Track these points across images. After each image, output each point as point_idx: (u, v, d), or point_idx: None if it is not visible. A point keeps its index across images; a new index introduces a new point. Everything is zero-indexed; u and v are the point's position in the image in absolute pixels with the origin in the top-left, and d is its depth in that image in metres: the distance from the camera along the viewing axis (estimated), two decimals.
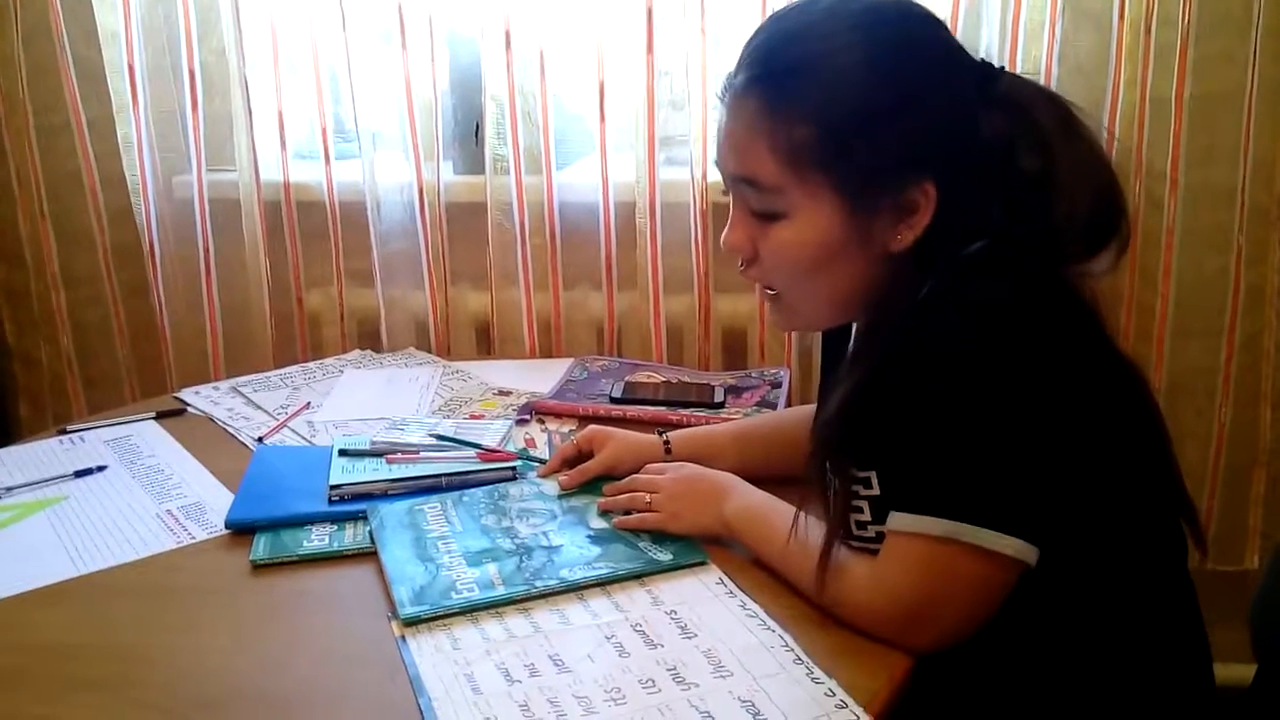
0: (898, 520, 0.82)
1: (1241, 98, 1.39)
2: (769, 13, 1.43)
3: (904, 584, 0.81)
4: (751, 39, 0.90)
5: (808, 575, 0.86)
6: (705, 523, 0.98)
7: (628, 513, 1.02)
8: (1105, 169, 0.87)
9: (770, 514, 0.94)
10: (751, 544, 0.95)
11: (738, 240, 0.92)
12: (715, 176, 1.54)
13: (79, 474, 1.20)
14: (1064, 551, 0.82)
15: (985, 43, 1.46)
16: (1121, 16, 1.40)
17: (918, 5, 0.90)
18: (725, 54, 1.59)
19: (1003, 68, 0.89)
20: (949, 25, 1.41)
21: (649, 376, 1.47)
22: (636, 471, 1.07)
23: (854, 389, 0.85)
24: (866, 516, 0.86)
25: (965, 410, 0.79)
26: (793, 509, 0.91)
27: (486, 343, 1.69)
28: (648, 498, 1.01)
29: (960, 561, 0.79)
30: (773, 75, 0.86)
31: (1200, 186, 1.44)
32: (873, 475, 0.86)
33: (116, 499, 1.14)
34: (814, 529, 0.88)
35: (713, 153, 1.53)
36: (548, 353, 1.65)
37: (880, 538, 0.84)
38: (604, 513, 1.03)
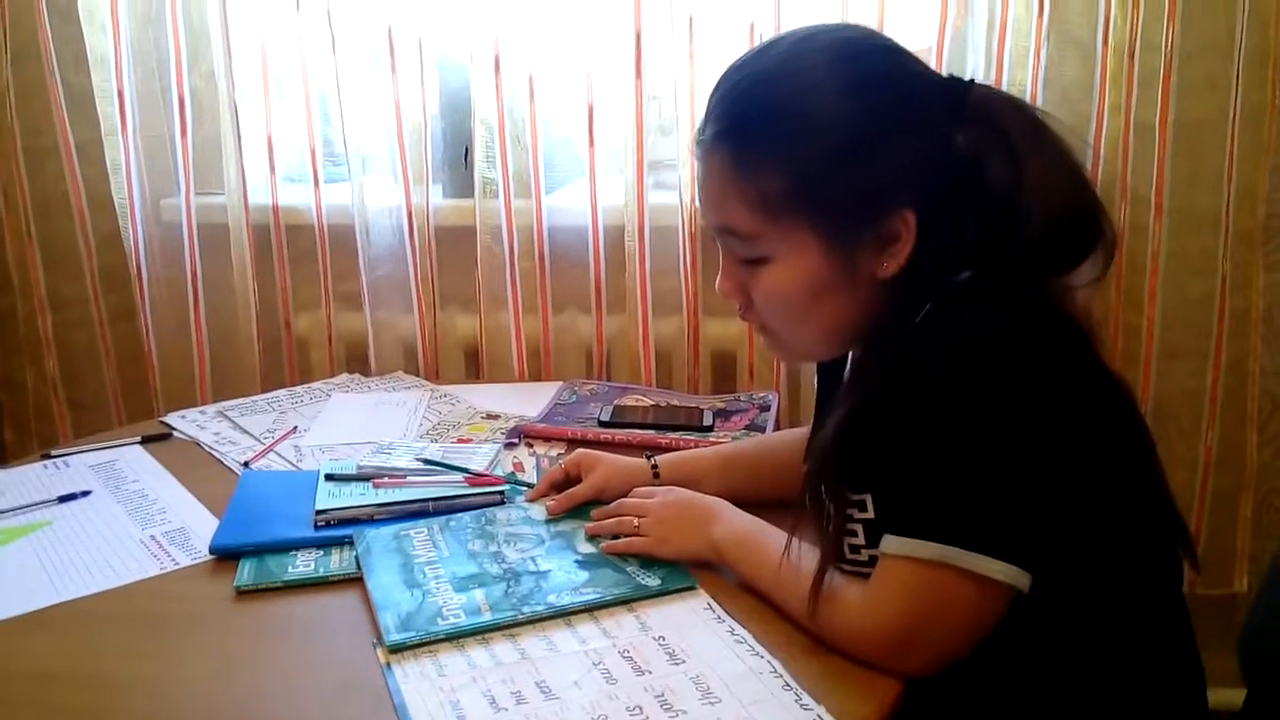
0: (890, 544, 0.82)
1: (1224, 123, 1.41)
2: (756, 38, 1.46)
3: (895, 608, 0.81)
4: (714, 91, 0.90)
5: (799, 600, 0.85)
6: (693, 547, 0.97)
7: (615, 537, 1.01)
8: (1077, 175, 0.87)
9: (760, 539, 0.94)
10: (740, 569, 0.94)
11: (729, 288, 0.92)
12: None
13: (63, 499, 1.19)
14: (1057, 576, 0.82)
15: (971, 69, 1.47)
16: (1105, 42, 1.42)
17: (876, 36, 0.91)
18: (714, 78, 1.60)
19: (972, 80, 0.89)
20: (935, 52, 1.44)
21: (638, 400, 1.47)
22: (624, 496, 1.06)
23: (849, 413, 0.85)
24: (860, 540, 0.86)
25: (959, 435, 0.79)
26: (782, 534, 0.90)
27: (475, 366, 1.69)
28: (635, 522, 1.01)
29: (952, 585, 0.79)
30: (737, 128, 0.87)
31: (1184, 211, 1.45)
32: (867, 499, 0.86)
33: (100, 524, 1.13)
34: (804, 554, 0.87)
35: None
36: (537, 376, 1.65)
37: (873, 561, 0.84)
38: (592, 537, 1.03)
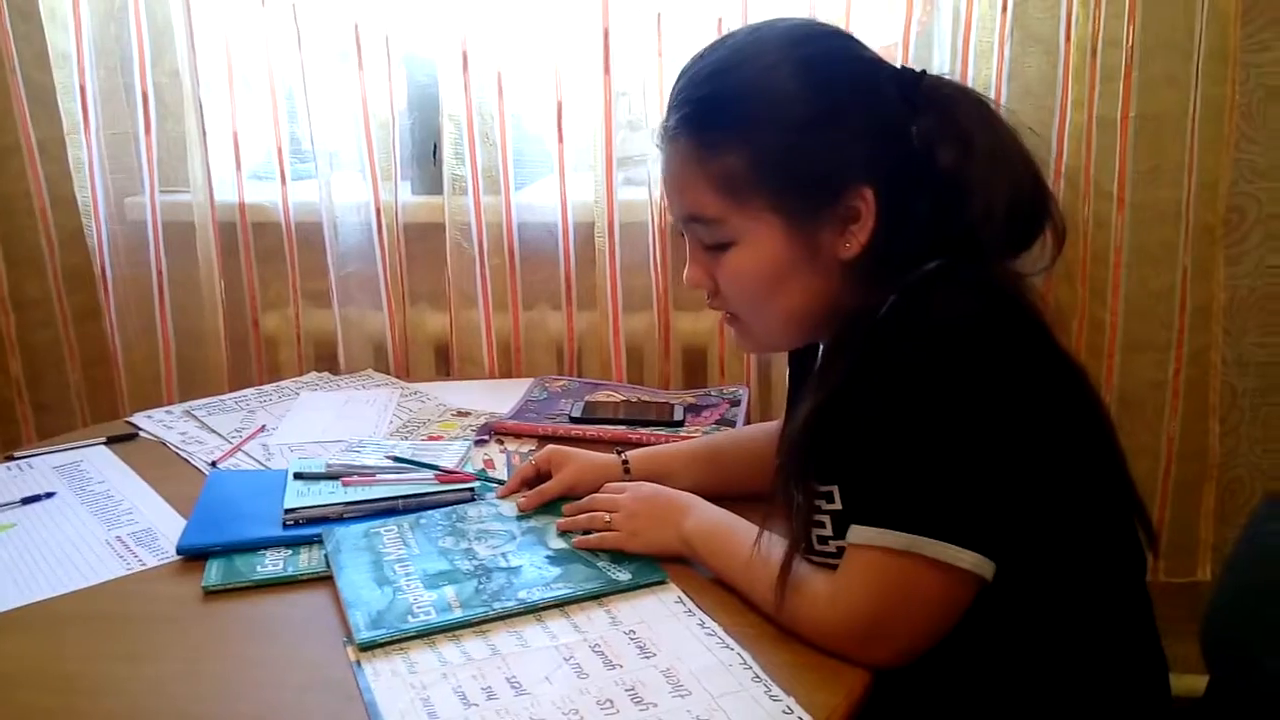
0: (857, 533, 0.83)
1: (1185, 118, 1.43)
2: (724, 33, 1.46)
3: (862, 597, 0.82)
4: (676, 82, 0.92)
5: (767, 592, 0.86)
6: (664, 541, 0.98)
7: (587, 532, 1.01)
8: (1023, 159, 0.89)
9: (729, 532, 0.94)
10: (710, 562, 0.95)
11: (697, 276, 0.94)
12: None
13: (26, 501, 1.17)
14: (1022, 564, 0.83)
15: (937, 65, 1.48)
16: (1068, 39, 1.43)
17: (828, 25, 0.95)
18: None
19: (923, 71, 0.91)
20: (901, 48, 1.45)
21: (608, 396, 1.47)
22: (595, 491, 1.07)
23: (819, 404, 0.86)
24: (828, 531, 0.87)
25: (924, 426, 0.80)
26: (752, 527, 0.91)
27: (446, 364, 1.69)
28: (607, 517, 1.01)
29: (918, 574, 0.80)
30: (697, 113, 0.89)
31: (1146, 205, 1.47)
32: (835, 490, 0.87)
33: (65, 526, 1.12)
34: (774, 546, 0.88)
35: None
36: (507, 373, 1.65)
37: (841, 553, 0.85)
38: (563, 533, 1.03)
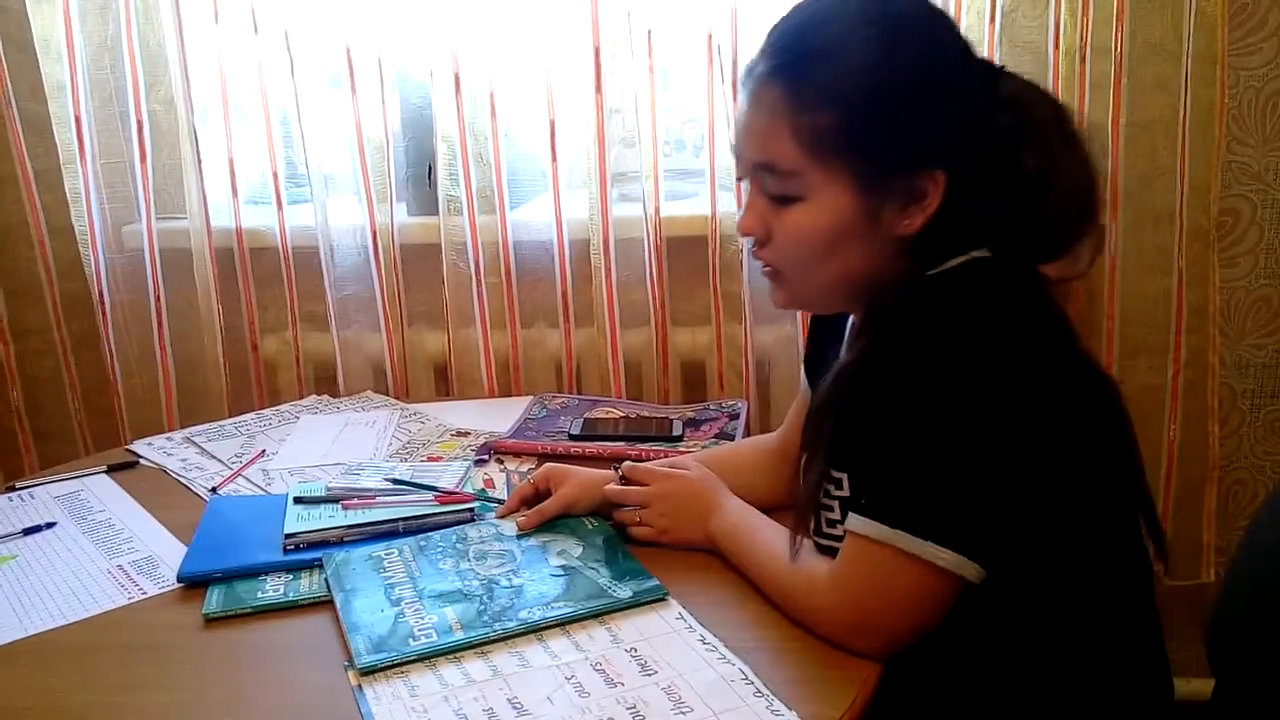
0: (851, 521, 0.85)
1: (1175, 123, 1.43)
2: (715, 49, 1.47)
3: (851, 584, 0.85)
4: (774, 28, 0.91)
5: (778, 574, 0.90)
6: (692, 538, 1.03)
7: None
8: (1093, 170, 0.90)
9: (753, 530, 0.98)
10: (735, 559, 0.98)
11: (752, 224, 0.93)
12: (668, 212, 1.56)
13: (27, 531, 1.17)
14: (1022, 570, 0.83)
15: None
16: (1057, 46, 1.44)
17: (934, 5, 0.93)
18: (674, 92, 1.61)
19: (1004, 67, 0.92)
20: None
21: (607, 412, 1.47)
22: (595, 509, 1.08)
23: (840, 381, 0.88)
24: (836, 515, 0.89)
25: (925, 423, 0.81)
26: (774, 524, 0.95)
27: (445, 384, 1.69)
28: (637, 516, 1.05)
29: (897, 567, 0.82)
30: (795, 63, 0.88)
31: (1139, 210, 1.47)
32: (845, 477, 0.88)
33: (66, 556, 1.12)
34: (786, 537, 0.91)
35: (665, 189, 1.57)
36: (507, 392, 1.65)
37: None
38: (562, 551, 1.03)
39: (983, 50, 1.44)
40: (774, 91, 0.89)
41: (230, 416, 1.56)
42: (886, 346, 0.84)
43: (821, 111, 0.86)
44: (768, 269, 0.96)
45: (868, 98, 0.86)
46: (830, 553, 0.88)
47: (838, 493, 0.88)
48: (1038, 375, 0.82)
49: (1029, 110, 0.89)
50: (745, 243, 1.46)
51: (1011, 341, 0.83)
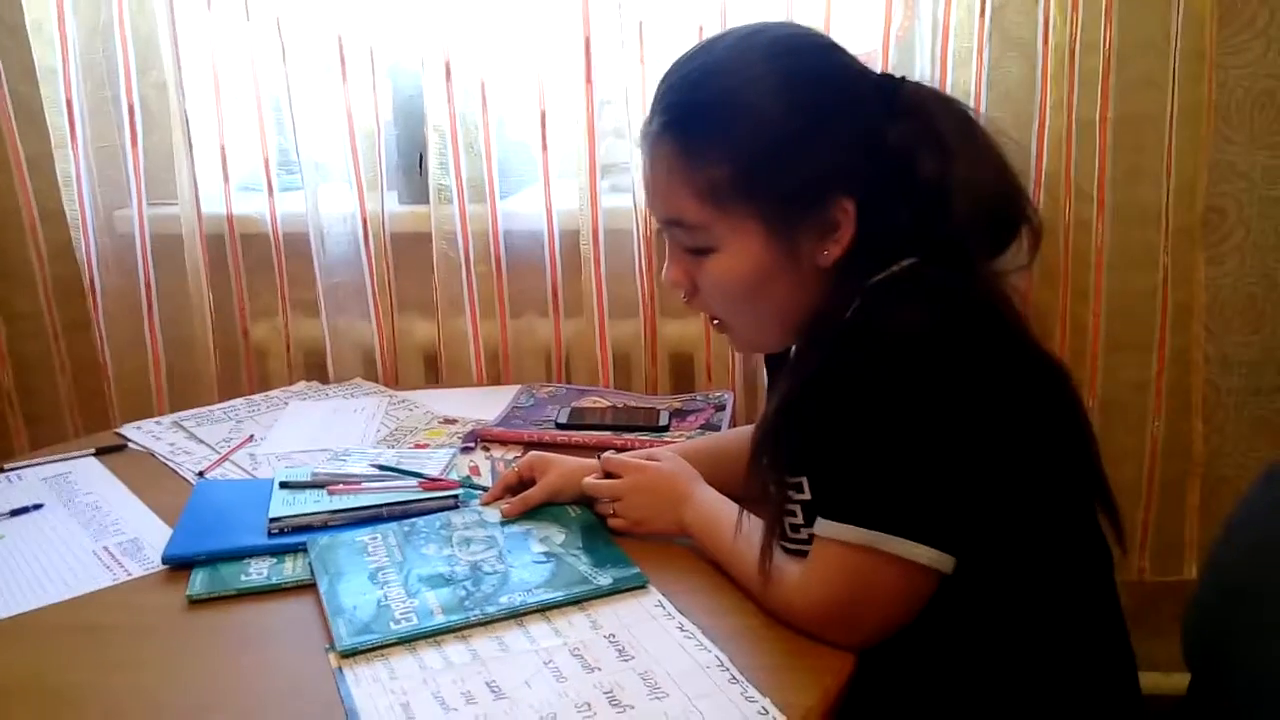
0: (822, 527, 0.85)
1: (1163, 120, 1.44)
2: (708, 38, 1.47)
3: (828, 587, 0.85)
4: (660, 84, 0.93)
5: (751, 576, 0.90)
6: (665, 527, 1.03)
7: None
8: (1001, 165, 0.90)
9: (723, 520, 0.98)
10: (707, 549, 0.99)
11: (677, 277, 0.96)
12: None
13: (14, 513, 1.18)
14: (988, 560, 0.85)
15: (918, 70, 1.49)
16: (1046, 42, 1.44)
17: (815, 34, 0.95)
18: None
19: (903, 78, 0.92)
20: (881, 54, 1.46)
21: (595, 402, 1.47)
22: (578, 498, 1.09)
23: (786, 396, 0.88)
24: (800, 520, 0.89)
25: (885, 423, 0.82)
26: (745, 514, 0.95)
27: (434, 372, 1.69)
28: (611, 509, 1.06)
29: (878, 569, 0.83)
30: (683, 119, 0.89)
31: (1126, 206, 1.48)
32: (804, 481, 0.88)
33: (52, 537, 1.12)
34: (756, 532, 0.91)
35: None
36: (496, 381, 1.66)
37: (812, 541, 0.87)
38: (544, 538, 1.04)
39: (972, 47, 1.46)
40: (666, 148, 0.90)
41: (220, 401, 1.57)
42: (830, 363, 0.85)
43: (715, 164, 0.87)
44: (715, 320, 0.97)
45: (757, 143, 0.87)
46: (798, 555, 0.89)
47: (799, 497, 0.88)
48: (983, 365, 0.83)
49: (927, 118, 0.89)
50: None
51: (953, 333, 0.83)
